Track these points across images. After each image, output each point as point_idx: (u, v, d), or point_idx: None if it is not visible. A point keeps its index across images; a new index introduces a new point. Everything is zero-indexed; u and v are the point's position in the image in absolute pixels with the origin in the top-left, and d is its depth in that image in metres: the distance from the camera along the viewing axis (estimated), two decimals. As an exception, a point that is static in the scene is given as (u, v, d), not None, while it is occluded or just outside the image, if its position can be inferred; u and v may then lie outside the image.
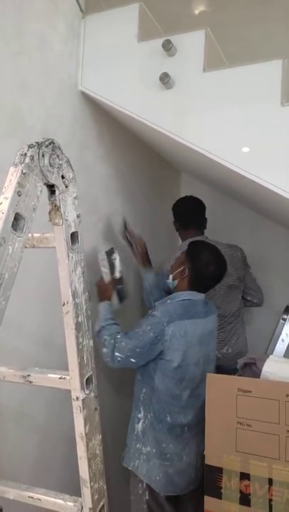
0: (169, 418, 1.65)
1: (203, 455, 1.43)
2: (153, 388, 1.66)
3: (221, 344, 2.22)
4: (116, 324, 1.71)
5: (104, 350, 1.63)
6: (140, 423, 1.68)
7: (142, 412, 1.68)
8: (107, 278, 1.86)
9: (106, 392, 2.09)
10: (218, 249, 1.81)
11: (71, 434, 1.08)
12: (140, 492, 1.68)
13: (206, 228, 2.35)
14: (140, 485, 1.68)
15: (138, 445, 1.68)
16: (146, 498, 1.67)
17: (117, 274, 1.90)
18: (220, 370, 2.08)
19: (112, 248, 1.94)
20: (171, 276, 1.80)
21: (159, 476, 1.65)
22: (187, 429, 1.68)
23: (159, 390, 1.65)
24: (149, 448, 1.66)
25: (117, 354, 1.60)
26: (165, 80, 1.63)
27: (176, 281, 1.79)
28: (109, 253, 1.91)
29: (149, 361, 1.64)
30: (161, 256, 2.53)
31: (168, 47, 1.63)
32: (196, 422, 1.69)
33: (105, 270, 1.86)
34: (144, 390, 1.68)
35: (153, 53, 1.68)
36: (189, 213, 2.31)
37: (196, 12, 2.08)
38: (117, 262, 1.91)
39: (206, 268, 1.73)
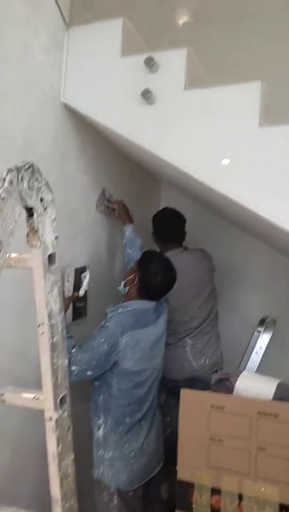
0: (128, 419, 1.71)
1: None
2: (110, 394, 1.70)
3: (198, 355, 2.24)
4: (70, 338, 1.71)
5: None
6: (101, 429, 1.71)
7: (102, 418, 1.72)
8: (67, 292, 1.88)
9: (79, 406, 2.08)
10: (169, 261, 1.85)
11: (45, 449, 1.08)
12: (107, 499, 1.70)
13: (184, 240, 2.37)
14: (106, 492, 1.70)
15: (100, 452, 1.72)
16: (114, 503, 1.69)
17: (81, 292, 1.92)
18: (197, 381, 2.10)
19: (86, 267, 1.97)
20: (123, 283, 1.87)
21: (125, 476, 1.70)
22: (144, 421, 1.77)
23: (116, 396, 1.69)
24: (111, 452, 1.70)
25: (73, 368, 1.60)
26: (147, 95, 1.65)
27: (127, 288, 1.85)
28: (80, 270, 1.93)
29: (106, 371, 1.69)
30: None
31: (150, 63, 1.64)
32: (149, 413, 1.79)
33: (68, 285, 1.87)
34: (101, 397, 1.72)
35: (136, 68, 1.69)
36: (168, 226, 2.33)
37: (180, 26, 2.10)
38: (86, 281, 1.94)
39: (154, 278, 1.78)
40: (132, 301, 1.80)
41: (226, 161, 1.59)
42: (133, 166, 2.50)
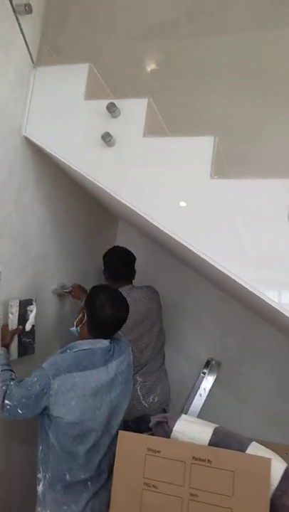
0: (68, 476, 1.57)
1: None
2: (49, 445, 1.57)
3: (147, 393, 2.24)
4: (11, 371, 1.62)
5: None
6: (40, 484, 1.59)
7: (41, 472, 1.60)
8: (11, 325, 1.80)
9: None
10: (117, 292, 1.76)
11: None
12: None
13: (134, 279, 2.41)
14: None
15: (39, 509, 1.59)
16: None
17: (27, 326, 1.87)
18: (144, 420, 2.08)
19: (31, 300, 1.91)
20: (75, 324, 1.75)
21: None
22: (90, 483, 1.60)
23: (54, 447, 1.56)
24: (49, 511, 1.57)
25: (6, 402, 1.50)
26: (107, 138, 1.71)
27: (78, 328, 1.74)
28: (26, 303, 1.88)
29: (44, 417, 1.58)
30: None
31: (112, 109, 1.72)
32: (98, 473, 1.62)
33: (12, 317, 1.79)
34: (40, 448, 1.60)
35: (98, 112, 1.76)
36: (118, 266, 2.36)
37: (143, 77, 2.22)
38: (32, 315, 1.88)
39: (101, 311, 1.65)
40: (80, 341, 1.67)
41: (178, 208, 1.66)
42: (91, 201, 2.54)
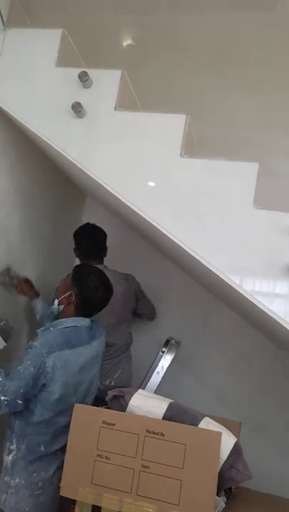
0: (42, 448, 1.59)
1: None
2: (28, 421, 1.58)
3: (104, 376, 2.24)
4: None
5: None
6: (11, 455, 1.60)
7: (15, 444, 1.60)
8: None
9: None
10: (104, 274, 1.79)
11: None
12: None
13: (106, 256, 2.39)
14: None
15: (6, 478, 1.59)
16: None
17: None
18: (100, 401, 2.08)
19: None
20: (56, 302, 1.74)
21: (28, 508, 1.56)
22: (61, 453, 1.61)
23: (35, 423, 1.58)
24: (18, 479, 1.58)
25: (2, 398, 1.50)
26: (77, 108, 1.67)
27: (61, 307, 1.73)
28: None
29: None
30: (57, 277, 2.50)
31: (84, 78, 1.67)
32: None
33: None
34: (17, 422, 1.61)
35: (69, 81, 1.71)
36: (89, 243, 2.33)
37: (118, 49, 2.17)
38: None
39: (94, 293, 1.70)
40: (65, 319, 1.70)
41: (146, 185, 1.65)
42: (58, 175, 2.48)
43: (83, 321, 1.71)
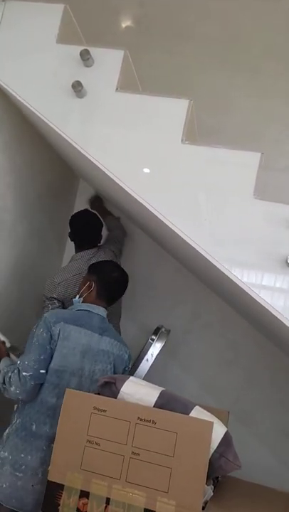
0: (34, 427, 1.61)
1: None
2: None
3: None
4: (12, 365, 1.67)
5: (12, 383, 1.59)
6: (8, 428, 1.66)
7: (15, 419, 1.66)
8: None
9: None
10: (116, 263, 2.00)
11: None
12: None
13: (100, 242, 2.39)
14: None
15: None
16: None
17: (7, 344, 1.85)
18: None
19: None
20: (77, 296, 1.82)
21: (6, 485, 1.57)
22: (48, 444, 1.60)
23: (33, 401, 1.63)
24: (6, 453, 1.61)
25: (24, 374, 1.56)
26: (77, 88, 1.62)
27: (81, 299, 1.80)
28: None
29: None
30: (47, 258, 2.47)
31: (86, 57, 1.62)
32: None
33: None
34: None
35: (70, 58, 1.66)
36: (84, 230, 2.33)
37: (122, 29, 2.11)
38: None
39: (111, 274, 1.83)
40: (81, 303, 1.78)
41: (145, 169, 1.62)
42: (53, 156, 2.42)
43: (98, 309, 1.77)
